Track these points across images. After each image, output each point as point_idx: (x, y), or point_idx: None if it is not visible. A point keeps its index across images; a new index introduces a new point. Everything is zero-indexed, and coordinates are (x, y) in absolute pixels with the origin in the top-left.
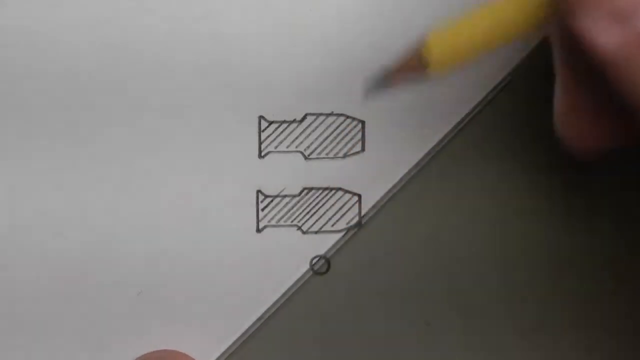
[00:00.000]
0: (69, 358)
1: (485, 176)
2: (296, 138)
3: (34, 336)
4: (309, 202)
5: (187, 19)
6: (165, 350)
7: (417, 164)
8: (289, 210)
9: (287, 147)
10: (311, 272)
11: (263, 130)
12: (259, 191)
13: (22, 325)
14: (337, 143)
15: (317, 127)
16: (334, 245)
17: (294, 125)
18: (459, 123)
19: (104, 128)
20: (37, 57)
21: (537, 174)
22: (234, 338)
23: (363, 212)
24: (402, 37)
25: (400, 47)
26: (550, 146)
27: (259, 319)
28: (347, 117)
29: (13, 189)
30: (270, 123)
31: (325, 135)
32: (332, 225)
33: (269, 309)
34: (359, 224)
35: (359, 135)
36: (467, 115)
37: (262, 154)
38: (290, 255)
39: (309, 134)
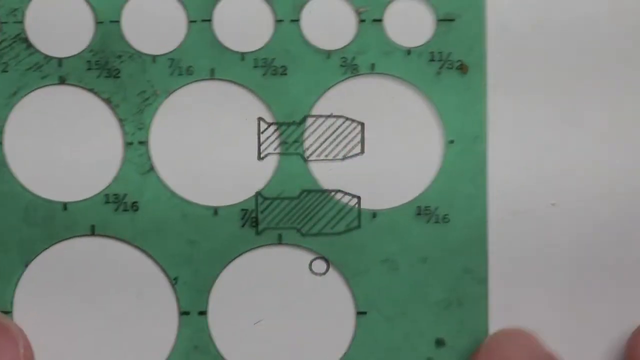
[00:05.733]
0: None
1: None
2: (295, 140)
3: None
4: (308, 204)
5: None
6: None
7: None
8: (288, 213)
9: (287, 149)
10: (311, 274)
11: (262, 132)
12: (258, 193)
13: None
14: (337, 145)
15: (316, 129)
16: (333, 247)
17: (293, 127)
18: None
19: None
20: None
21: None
22: (234, 339)
23: (362, 214)
24: (401, 38)
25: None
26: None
27: (258, 320)
28: (347, 119)
29: None
30: (270, 125)
31: (324, 137)
32: (332, 227)
33: (268, 310)
34: (358, 226)
35: (359, 137)
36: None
37: (262, 156)
38: (289, 257)
39: (308, 136)
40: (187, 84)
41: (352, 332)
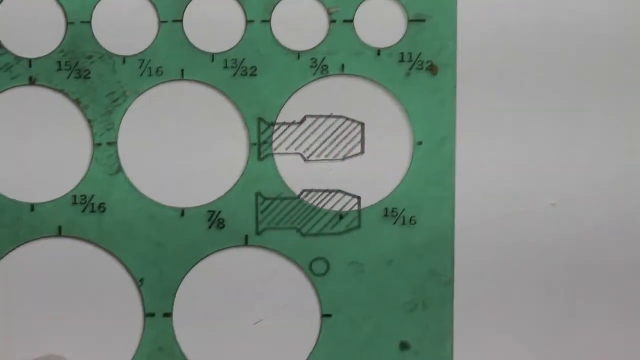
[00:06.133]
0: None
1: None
2: (295, 140)
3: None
4: (308, 204)
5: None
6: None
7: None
8: (288, 213)
9: (287, 149)
10: (311, 274)
11: (262, 132)
12: (258, 193)
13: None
14: (337, 145)
15: (316, 129)
16: (333, 247)
17: (293, 127)
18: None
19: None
20: None
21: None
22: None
23: (362, 214)
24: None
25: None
26: None
27: (258, 320)
28: (347, 119)
29: None
30: (270, 125)
31: (324, 137)
32: (332, 228)
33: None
34: (358, 226)
35: (359, 137)
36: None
37: (262, 156)
38: (289, 257)
39: (308, 136)
40: (157, 84)
41: (317, 335)
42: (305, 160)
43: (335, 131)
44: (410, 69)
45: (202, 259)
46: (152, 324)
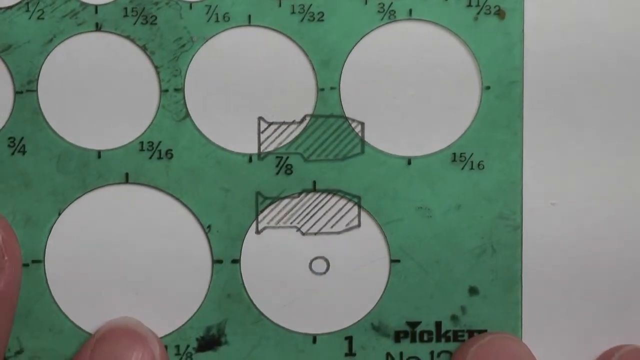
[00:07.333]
0: None
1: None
2: (296, 139)
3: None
4: (308, 204)
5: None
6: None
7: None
8: (288, 212)
9: (287, 148)
10: (310, 273)
11: (262, 132)
12: (258, 193)
13: None
14: (337, 145)
15: (316, 129)
16: (333, 247)
17: (293, 126)
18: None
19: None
20: None
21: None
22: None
23: (362, 214)
24: (402, 37)
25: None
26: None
27: (258, 320)
28: (347, 118)
29: None
30: (270, 124)
31: (324, 136)
32: (332, 227)
33: (268, 310)
34: (358, 226)
35: (359, 137)
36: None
37: (262, 155)
38: (289, 257)
39: (309, 136)
40: (224, 30)
41: (386, 280)
42: (306, 160)
43: (335, 131)
44: (478, 13)
45: (270, 204)
46: (220, 271)
